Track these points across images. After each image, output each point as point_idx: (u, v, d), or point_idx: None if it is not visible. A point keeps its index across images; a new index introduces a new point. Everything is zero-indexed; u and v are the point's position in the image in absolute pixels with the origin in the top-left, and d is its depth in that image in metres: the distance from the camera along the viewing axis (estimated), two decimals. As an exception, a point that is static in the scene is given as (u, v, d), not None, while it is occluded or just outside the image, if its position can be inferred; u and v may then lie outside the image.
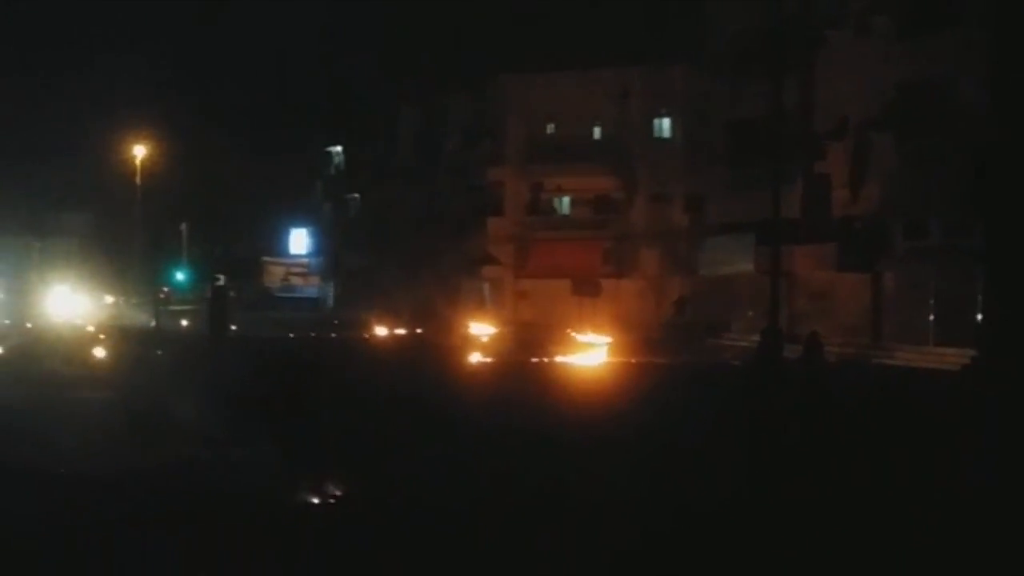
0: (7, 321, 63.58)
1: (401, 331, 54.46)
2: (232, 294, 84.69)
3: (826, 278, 45.87)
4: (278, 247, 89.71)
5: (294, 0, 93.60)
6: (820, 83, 46.49)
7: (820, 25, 46.06)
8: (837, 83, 45.19)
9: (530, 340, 46.65)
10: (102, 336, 49.75)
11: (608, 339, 45.23)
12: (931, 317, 40.77)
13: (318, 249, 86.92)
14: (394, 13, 73.30)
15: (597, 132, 66.71)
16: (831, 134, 45.72)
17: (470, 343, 45.91)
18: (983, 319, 37.82)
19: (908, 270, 42.15)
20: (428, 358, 39.47)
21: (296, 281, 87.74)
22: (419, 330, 54.43)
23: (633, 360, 40.52)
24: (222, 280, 61.16)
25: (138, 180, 69.06)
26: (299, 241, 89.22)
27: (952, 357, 36.69)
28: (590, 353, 41.73)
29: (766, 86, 41.38)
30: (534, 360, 41.14)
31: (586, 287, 55.68)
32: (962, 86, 39.14)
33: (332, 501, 15.42)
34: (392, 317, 56.26)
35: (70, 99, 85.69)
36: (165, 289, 73.90)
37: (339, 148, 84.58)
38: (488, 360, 40.47)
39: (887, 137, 42.85)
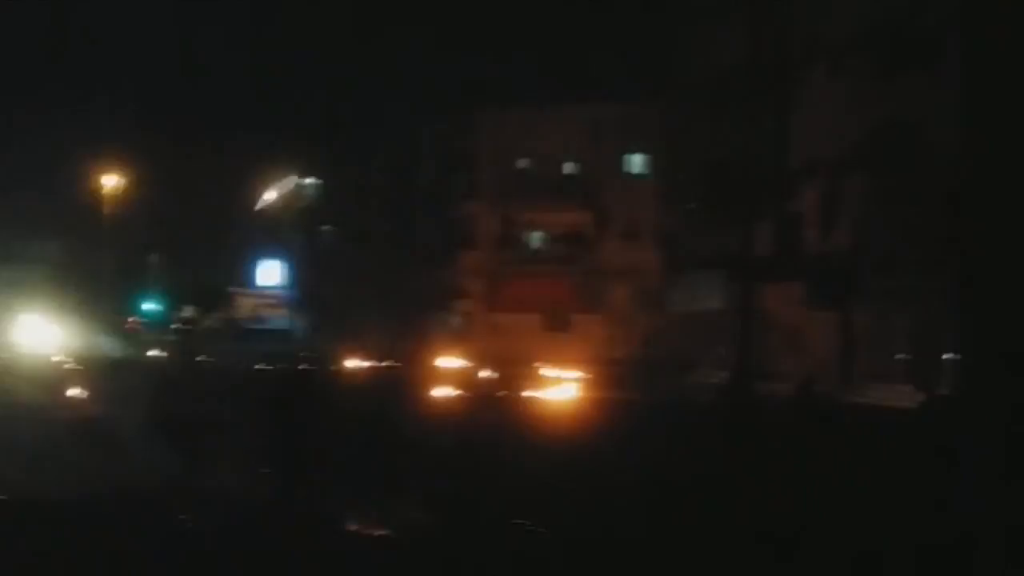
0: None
1: (372, 363, 54.21)
2: (211, 323, 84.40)
3: (796, 315, 45.92)
4: (249, 278, 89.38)
5: (269, 28, 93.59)
6: (793, 122, 46.68)
7: (794, 64, 46.30)
8: (810, 122, 45.37)
9: (499, 374, 46.50)
10: (71, 366, 49.41)
11: (578, 374, 45.15)
12: (900, 356, 40.83)
13: (290, 280, 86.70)
14: (369, 41, 73.33)
15: (569, 167, 66.85)
16: (803, 172, 45.89)
17: (440, 376, 45.71)
18: (957, 356, 37.87)
19: (878, 309, 42.24)
20: (397, 390, 39.24)
21: (266, 312, 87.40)
22: (389, 363, 54.21)
23: (601, 395, 40.38)
24: (190, 311, 61.07)
25: (106, 210, 68.87)
26: (270, 272, 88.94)
27: (920, 396, 36.67)
28: (559, 388, 41.60)
29: (739, 124, 41.69)
30: (503, 394, 40.97)
31: (556, 322, 55.64)
32: (934, 126, 39.33)
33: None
34: (363, 349, 56.02)
35: (39, 128, 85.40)
36: (132, 318, 73.53)
37: (312, 179, 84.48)
38: (457, 393, 40.28)
39: (859, 176, 43.02)
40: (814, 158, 45.20)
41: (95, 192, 71.11)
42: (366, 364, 53.74)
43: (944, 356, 38.19)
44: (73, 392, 35.72)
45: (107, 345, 65.85)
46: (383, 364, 53.82)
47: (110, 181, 69.79)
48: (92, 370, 45.24)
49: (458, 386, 42.06)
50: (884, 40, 42.05)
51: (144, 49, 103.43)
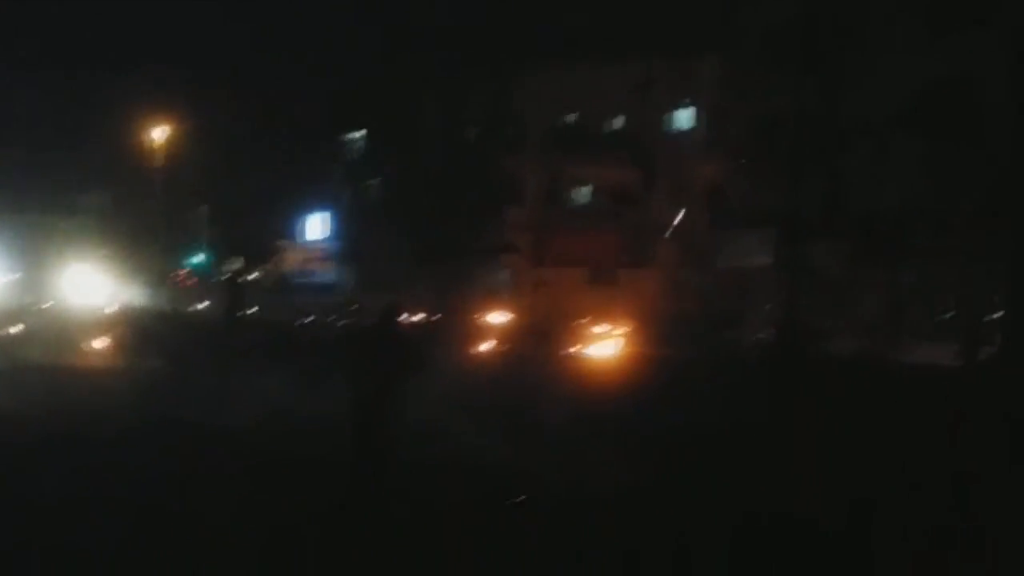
0: (28, 300, 63.65)
1: (417, 318, 54.30)
2: (262, 271, 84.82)
3: (844, 273, 45.70)
4: (297, 232, 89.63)
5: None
6: (845, 80, 46.28)
7: (846, 22, 45.89)
8: (862, 80, 45.02)
9: (545, 329, 46.50)
10: (120, 316, 49.88)
11: (624, 330, 45.06)
12: (949, 315, 40.62)
13: (337, 234, 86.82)
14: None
15: (618, 122, 66.58)
16: (854, 131, 45.58)
17: (486, 331, 45.80)
18: (1004, 317, 37.69)
19: (927, 267, 42.00)
20: (443, 344, 39.37)
21: (314, 266, 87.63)
22: (436, 317, 54.27)
23: (646, 351, 40.39)
24: (238, 263, 61.31)
25: (157, 163, 69.24)
26: (318, 226, 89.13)
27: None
28: (604, 344, 41.61)
29: (790, 81, 41.41)
30: (548, 349, 41.02)
31: (602, 277, 55.46)
32: (988, 85, 38.99)
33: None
34: (409, 304, 56.08)
35: (90, 81, 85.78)
36: (182, 271, 73.97)
37: (360, 133, 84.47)
38: (502, 348, 40.39)
39: (911, 135, 42.71)
40: (865, 115, 44.88)
41: (145, 144, 71.37)
42: (412, 318, 53.82)
43: (992, 316, 38.04)
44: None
45: (154, 297, 66.39)
46: (428, 318, 53.89)
47: (160, 133, 70.04)
48: (136, 321, 45.71)
49: (503, 341, 42.19)
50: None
51: (196, 6, 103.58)
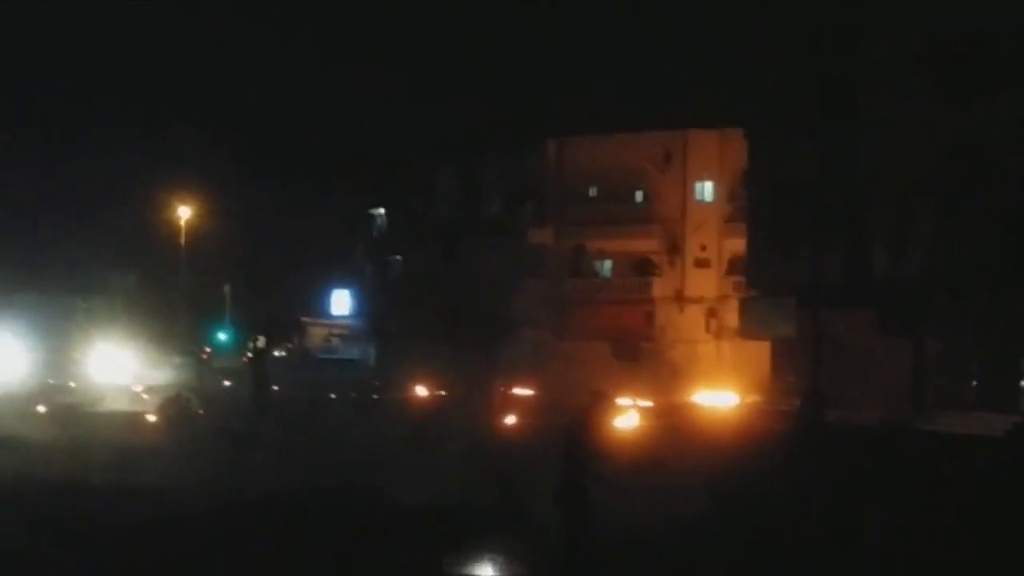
0: (51, 380, 63.75)
1: (441, 392, 54.27)
2: (286, 350, 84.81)
3: (868, 342, 45.45)
4: (320, 308, 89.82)
5: (337, 62, 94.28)
6: (863, 147, 46.24)
7: (862, 88, 45.91)
8: (880, 146, 44.95)
9: (568, 402, 46.29)
10: (146, 396, 49.96)
11: (648, 403, 44.94)
12: (973, 383, 40.32)
13: (360, 311, 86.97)
14: (439, 73, 73.75)
15: (639, 195, 66.74)
16: (874, 197, 45.47)
17: (509, 404, 45.66)
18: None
19: (950, 335, 41.73)
20: (467, 418, 39.33)
21: (337, 343, 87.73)
22: (456, 392, 54.17)
23: (667, 423, 40.29)
24: (262, 341, 61.38)
25: (183, 241, 69.65)
26: (341, 302, 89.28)
27: (996, 423, 36.22)
28: (625, 416, 41.46)
29: (809, 150, 41.39)
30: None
31: (626, 350, 55.33)
32: (1005, 149, 38.89)
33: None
34: (433, 379, 56.08)
35: (118, 160, 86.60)
36: (208, 350, 74.01)
37: (381, 210, 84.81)
38: (526, 421, 40.21)
39: (930, 201, 42.56)
40: (884, 182, 44.78)
41: (171, 223, 71.86)
42: (435, 393, 53.80)
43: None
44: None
45: (181, 375, 66.42)
46: (452, 393, 53.84)
47: (185, 212, 70.60)
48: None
49: (526, 415, 42.01)
50: (955, 64, 41.55)
51: (222, 83, 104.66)
